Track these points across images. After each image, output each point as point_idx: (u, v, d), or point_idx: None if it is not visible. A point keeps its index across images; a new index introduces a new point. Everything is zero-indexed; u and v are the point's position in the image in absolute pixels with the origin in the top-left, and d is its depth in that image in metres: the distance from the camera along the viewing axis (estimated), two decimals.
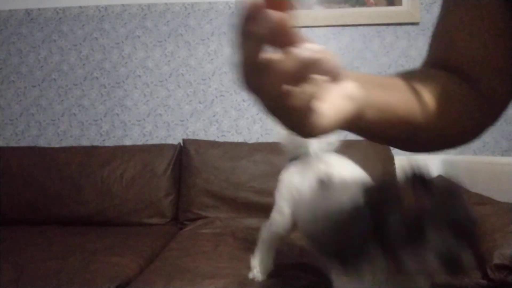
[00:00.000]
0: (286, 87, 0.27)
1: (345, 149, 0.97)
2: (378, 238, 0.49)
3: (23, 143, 2.04)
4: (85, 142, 2.04)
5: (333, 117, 0.31)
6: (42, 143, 2.04)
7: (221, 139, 1.99)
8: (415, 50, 1.94)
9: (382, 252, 0.50)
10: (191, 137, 2.00)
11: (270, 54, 0.27)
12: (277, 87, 0.28)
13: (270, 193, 1.07)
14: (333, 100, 0.31)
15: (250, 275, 1.01)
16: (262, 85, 0.29)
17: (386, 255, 0.50)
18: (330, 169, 0.85)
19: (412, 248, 0.47)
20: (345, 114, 0.32)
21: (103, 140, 2.04)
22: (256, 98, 0.31)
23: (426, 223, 0.47)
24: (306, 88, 0.28)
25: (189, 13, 2.01)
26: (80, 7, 2.04)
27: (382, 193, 0.51)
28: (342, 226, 0.50)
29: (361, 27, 1.95)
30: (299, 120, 0.30)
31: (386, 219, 0.48)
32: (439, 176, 1.82)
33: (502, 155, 1.91)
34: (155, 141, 2.01)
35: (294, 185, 0.94)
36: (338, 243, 0.50)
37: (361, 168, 0.94)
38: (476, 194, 1.36)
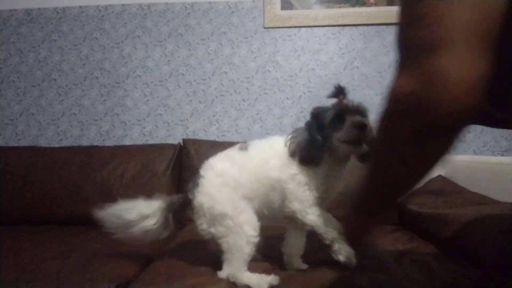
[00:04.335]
0: None
1: None
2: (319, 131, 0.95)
3: (23, 143, 2.04)
4: (85, 142, 2.04)
5: None
6: (42, 143, 2.05)
7: (221, 139, 1.99)
8: None
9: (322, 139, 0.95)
10: (191, 137, 2.00)
11: None
12: None
13: None
14: None
15: (273, 283, 0.95)
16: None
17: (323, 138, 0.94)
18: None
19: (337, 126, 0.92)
20: None
21: (103, 140, 2.04)
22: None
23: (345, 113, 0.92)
24: None
25: (189, 13, 2.01)
26: (80, 7, 2.04)
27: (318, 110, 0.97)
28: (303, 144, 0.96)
29: (361, 27, 1.95)
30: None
31: (322, 118, 0.94)
32: (439, 176, 1.82)
33: (502, 155, 1.91)
34: (155, 141, 2.01)
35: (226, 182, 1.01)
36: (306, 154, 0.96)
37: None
38: (476, 194, 1.36)
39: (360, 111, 0.93)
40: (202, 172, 1.04)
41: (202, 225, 1.02)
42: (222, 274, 0.97)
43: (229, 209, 0.97)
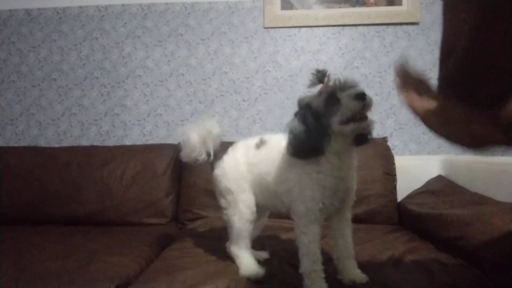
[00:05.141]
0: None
1: None
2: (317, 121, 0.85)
3: (23, 143, 2.04)
4: (85, 142, 2.04)
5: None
6: (42, 143, 2.05)
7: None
8: (415, 50, 1.93)
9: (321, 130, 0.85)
10: None
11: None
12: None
13: None
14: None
15: (252, 275, 0.99)
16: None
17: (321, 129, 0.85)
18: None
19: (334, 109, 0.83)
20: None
21: (103, 140, 2.04)
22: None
23: (336, 92, 0.83)
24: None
25: (189, 13, 2.01)
26: (80, 7, 2.04)
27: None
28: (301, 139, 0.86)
29: (361, 27, 1.95)
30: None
31: (315, 106, 0.85)
32: (439, 176, 1.81)
33: (502, 155, 1.91)
34: (155, 141, 2.01)
35: (242, 168, 1.06)
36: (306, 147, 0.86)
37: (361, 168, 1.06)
38: (476, 194, 1.36)
39: (351, 85, 0.83)
40: (229, 149, 1.13)
41: (216, 193, 1.13)
42: (227, 244, 1.08)
43: (233, 187, 1.06)
